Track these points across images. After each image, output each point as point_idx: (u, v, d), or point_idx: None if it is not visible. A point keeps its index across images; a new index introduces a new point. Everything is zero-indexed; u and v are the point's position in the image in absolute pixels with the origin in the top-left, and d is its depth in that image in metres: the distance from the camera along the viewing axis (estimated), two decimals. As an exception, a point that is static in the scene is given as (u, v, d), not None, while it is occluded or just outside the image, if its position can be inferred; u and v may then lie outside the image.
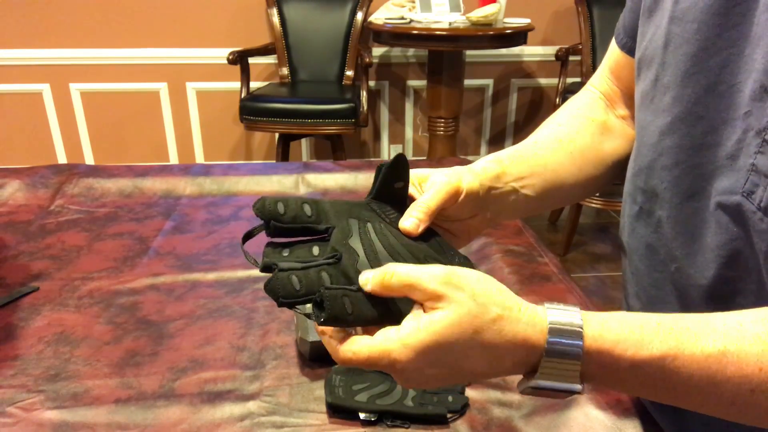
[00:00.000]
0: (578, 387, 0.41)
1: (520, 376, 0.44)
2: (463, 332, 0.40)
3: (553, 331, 0.40)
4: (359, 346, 0.42)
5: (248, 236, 0.47)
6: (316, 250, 0.47)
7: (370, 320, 0.43)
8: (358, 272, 0.44)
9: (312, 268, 0.44)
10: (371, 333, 0.43)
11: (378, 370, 0.43)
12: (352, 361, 0.42)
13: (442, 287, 0.40)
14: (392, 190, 0.51)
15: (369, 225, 0.48)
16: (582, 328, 0.40)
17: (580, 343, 0.40)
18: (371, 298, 0.43)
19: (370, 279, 0.42)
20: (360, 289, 0.43)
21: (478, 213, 0.56)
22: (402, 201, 0.51)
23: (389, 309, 0.44)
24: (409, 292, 0.41)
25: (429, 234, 0.50)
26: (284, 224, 0.47)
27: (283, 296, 0.42)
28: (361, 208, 0.50)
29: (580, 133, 0.64)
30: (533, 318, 0.41)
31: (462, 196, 0.52)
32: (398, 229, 0.49)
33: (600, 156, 0.65)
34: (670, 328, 0.41)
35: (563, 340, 0.40)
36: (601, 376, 0.42)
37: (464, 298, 0.40)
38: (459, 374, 0.42)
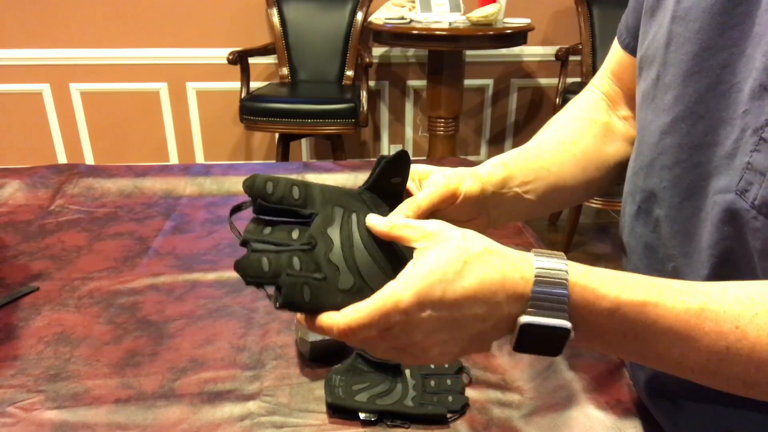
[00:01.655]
0: (567, 324, 0.42)
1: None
2: (453, 261, 0.42)
3: (540, 264, 0.43)
4: (358, 306, 0.42)
5: (236, 210, 0.48)
6: (295, 234, 0.47)
7: (330, 309, 0.44)
8: (330, 262, 0.45)
9: (284, 252, 0.45)
10: None
11: (383, 332, 0.42)
12: (354, 326, 0.42)
13: (435, 225, 0.45)
14: (389, 185, 0.51)
15: (354, 215, 0.48)
16: (567, 266, 0.43)
17: (566, 273, 0.42)
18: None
19: (380, 222, 0.47)
20: (325, 278, 0.44)
21: (478, 216, 0.56)
22: (397, 196, 0.51)
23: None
24: (408, 231, 0.45)
25: None
26: (270, 204, 0.48)
27: (251, 275, 0.43)
28: (350, 197, 0.50)
29: (583, 135, 0.65)
30: (520, 255, 0.44)
31: (459, 200, 0.53)
32: None
33: (602, 158, 0.65)
34: (653, 282, 0.43)
35: (551, 270, 0.42)
36: (584, 318, 0.42)
37: (453, 234, 0.44)
38: (462, 321, 0.43)
